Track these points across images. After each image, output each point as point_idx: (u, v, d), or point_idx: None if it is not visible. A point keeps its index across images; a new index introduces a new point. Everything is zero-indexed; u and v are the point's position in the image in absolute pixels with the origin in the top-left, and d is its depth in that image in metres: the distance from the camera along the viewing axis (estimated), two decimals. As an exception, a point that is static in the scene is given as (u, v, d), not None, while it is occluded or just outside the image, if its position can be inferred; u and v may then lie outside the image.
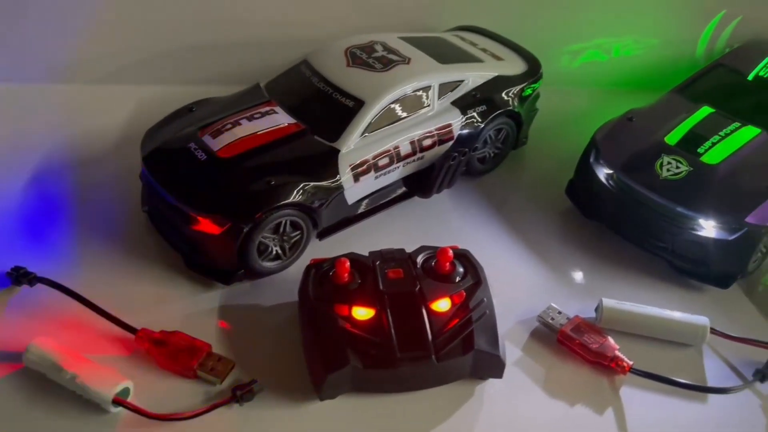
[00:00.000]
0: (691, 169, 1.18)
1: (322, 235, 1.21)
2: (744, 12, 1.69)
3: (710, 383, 1.04)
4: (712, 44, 1.72)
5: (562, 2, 1.68)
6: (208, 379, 0.98)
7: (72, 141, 1.40)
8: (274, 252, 1.14)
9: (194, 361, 0.98)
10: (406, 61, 1.29)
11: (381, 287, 1.02)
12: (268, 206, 1.08)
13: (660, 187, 1.17)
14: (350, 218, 1.24)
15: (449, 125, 1.29)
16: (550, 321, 1.09)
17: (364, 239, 1.20)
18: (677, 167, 1.18)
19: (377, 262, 1.06)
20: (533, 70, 1.45)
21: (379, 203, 1.28)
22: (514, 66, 1.45)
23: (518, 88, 1.40)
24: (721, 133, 1.23)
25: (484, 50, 1.46)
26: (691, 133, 1.23)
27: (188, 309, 1.08)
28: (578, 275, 1.21)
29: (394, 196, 1.29)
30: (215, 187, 1.10)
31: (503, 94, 1.38)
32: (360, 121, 1.19)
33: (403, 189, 1.30)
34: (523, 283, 1.18)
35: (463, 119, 1.30)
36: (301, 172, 1.14)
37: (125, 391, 0.94)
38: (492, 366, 0.99)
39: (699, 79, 1.37)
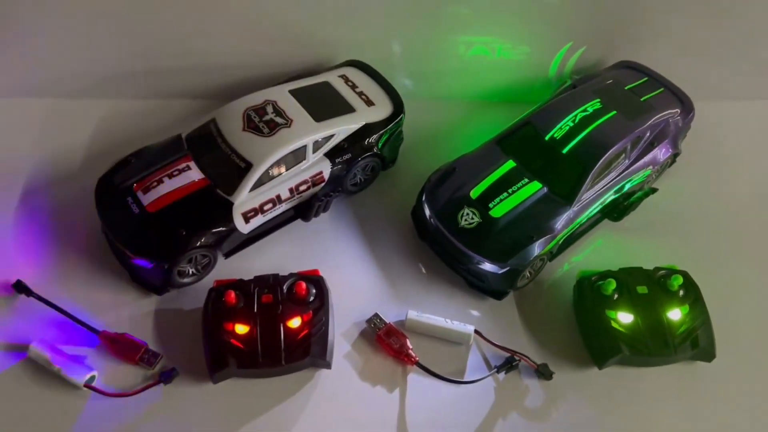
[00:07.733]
0: (481, 221, 1.65)
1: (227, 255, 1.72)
2: (587, 43, 2.05)
3: (469, 373, 1.59)
4: (562, 69, 2.09)
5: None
6: (144, 367, 1.55)
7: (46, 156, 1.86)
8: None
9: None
10: (288, 123, 1.71)
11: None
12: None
13: (457, 234, 1.65)
14: (244, 241, 1.74)
15: (321, 172, 1.75)
16: (373, 326, 1.62)
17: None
18: (472, 218, 1.66)
19: None
20: (396, 113, 1.86)
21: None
22: (381, 111, 1.85)
23: (380, 133, 1.82)
24: (510, 190, 1.68)
25: (360, 94, 1.86)
26: (489, 189, 1.68)
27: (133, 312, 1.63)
28: (405, 288, 1.72)
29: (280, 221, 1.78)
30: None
31: (366, 141, 1.80)
32: (250, 179, 1.65)
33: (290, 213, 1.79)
34: (364, 293, 1.70)
35: (333, 167, 1.76)
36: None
37: (92, 378, 1.52)
38: (322, 364, 1.55)
39: (513, 133, 1.78)
